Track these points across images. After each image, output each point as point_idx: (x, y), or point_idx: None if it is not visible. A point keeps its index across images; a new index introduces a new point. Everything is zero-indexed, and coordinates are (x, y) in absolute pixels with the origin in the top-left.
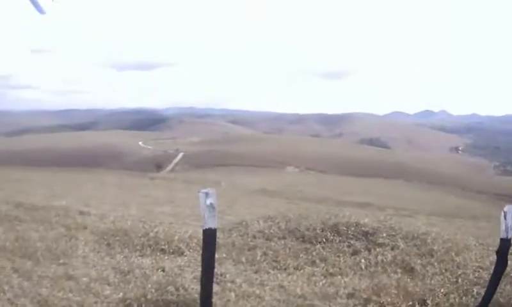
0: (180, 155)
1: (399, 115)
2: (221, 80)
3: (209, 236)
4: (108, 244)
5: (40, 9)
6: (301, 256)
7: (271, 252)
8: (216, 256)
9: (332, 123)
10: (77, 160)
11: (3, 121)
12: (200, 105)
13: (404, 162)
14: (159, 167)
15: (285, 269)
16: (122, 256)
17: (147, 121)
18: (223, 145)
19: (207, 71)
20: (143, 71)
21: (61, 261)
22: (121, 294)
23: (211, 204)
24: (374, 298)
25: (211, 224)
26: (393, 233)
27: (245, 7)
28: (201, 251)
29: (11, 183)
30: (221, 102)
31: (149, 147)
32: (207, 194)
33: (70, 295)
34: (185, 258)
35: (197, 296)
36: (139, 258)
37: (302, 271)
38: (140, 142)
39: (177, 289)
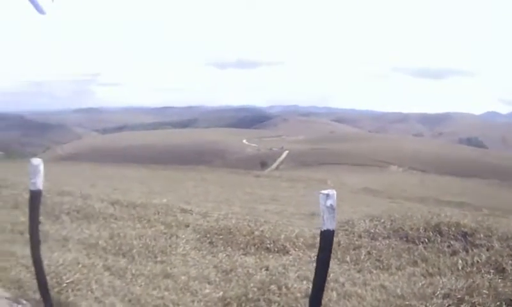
0: (285, 153)
1: (493, 115)
2: (324, 78)
3: (327, 238)
4: (211, 242)
5: (39, 10)
6: (403, 255)
7: (375, 251)
8: None
9: (433, 122)
10: (177, 158)
11: (99, 118)
12: (304, 104)
13: (499, 162)
14: (263, 165)
15: (388, 269)
16: (225, 255)
17: (251, 119)
18: (327, 143)
19: (310, 69)
20: (245, 70)
21: (159, 259)
22: (221, 293)
23: (331, 205)
24: (467, 298)
25: (330, 225)
26: (490, 234)
27: (346, 6)
28: (307, 250)
29: (106, 180)
30: (324, 100)
31: (253, 145)
32: (327, 196)
33: (166, 293)
34: (290, 256)
35: (299, 295)
36: (242, 256)
37: (403, 271)
38: (244, 140)
39: (280, 288)
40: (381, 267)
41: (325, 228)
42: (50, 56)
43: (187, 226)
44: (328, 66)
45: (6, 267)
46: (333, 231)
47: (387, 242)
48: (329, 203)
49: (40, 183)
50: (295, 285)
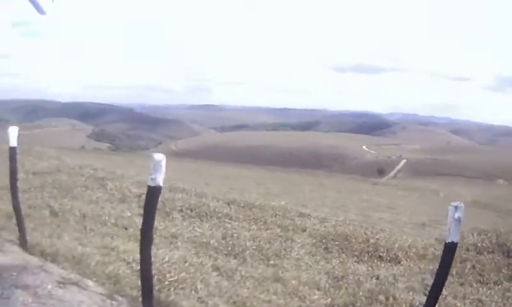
0: (403, 161)
1: None
2: (444, 88)
3: (450, 250)
4: (326, 248)
5: (39, 9)
6: (502, 270)
7: (479, 265)
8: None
9: None
10: (296, 161)
11: (218, 115)
12: (424, 112)
13: None
14: (381, 172)
15: (487, 283)
16: (338, 261)
17: (371, 126)
18: (443, 154)
19: (431, 78)
20: (365, 74)
21: (271, 262)
22: (329, 300)
23: (458, 217)
24: None
25: (454, 238)
26: None
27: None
28: (418, 261)
29: (222, 179)
30: (444, 109)
31: (372, 152)
32: (456, 208)
33: (273, 297)
34: (401, 267)
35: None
36: (355, 263)
37: (500, 286)
38: (364, 146)
39: (387, 298)
40: (482, 281)
41: (450, 240)
42: (170, 53)
43: (304, 230)
44: (449, 75)
45: (104, 261)
46: (457, 243)
47: (491, 256)
48: (457, 215)
49: (160, 179)
50: (402, 296)
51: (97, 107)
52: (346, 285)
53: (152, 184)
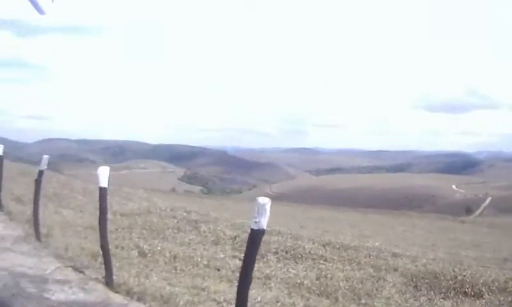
0: (488, 199)
1: None
2: None
3: None
4: (415, 286)
5: (39, 10)
6: None
7: None
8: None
9: None
10: (389, 202)
11: (313, 159)
12: (510, 149)
13: None
14: (468, 211)
15: None
16: (426, 298)
17: (460, 165)
18: None
19: None
20: (454, 114)
21: (363, 301)
22: None
23: None
24: None
25: None
26: None
27: None
28: (498, 294)
29: (317, 222)
30: None
31: (461, 191)
32: None
33: None
34: (483, 300)
35: None
36: (441, 300)
37: None
38: (453, 186)
39: None
40: None
41: None
42: (259, 93)
43: (396, 269)
44: None
45: (194, 301)
46: None
47: None
48: None
49: (264, 223)
50: None
51: (189, 149)
52: None
53: (255, 227)
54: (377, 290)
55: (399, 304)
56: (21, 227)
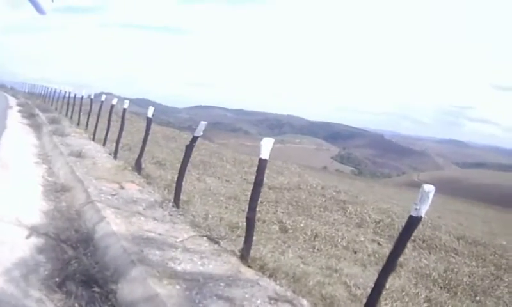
0: None
1: None
2: None
3: None
4: None
5: (40, 10)
6: None
7: None
8: None
9: None
10: None
11: (460, 151)
12: None
13: None
14: None
15: None
16: None
17: None
18: None
19: None
20: None
21: (477, 298)
22: None
23: None
24: None
25: None
26: None
27: None
28: None
29: (453, 213)
30: None
31: None
32: None
33: None
34: None
35: None
36: None
37: None
38: None
39: None
40: None
41: None
42: (420, 79)
43: None
44: None
45: (324, 282)
46: None
47: None
48: None
49: (424, 210)
50: None
51: (347, 129)
52: None
53: (414, 214)
54: (492, 288)
55: (507, 305)
56: (158, 192)
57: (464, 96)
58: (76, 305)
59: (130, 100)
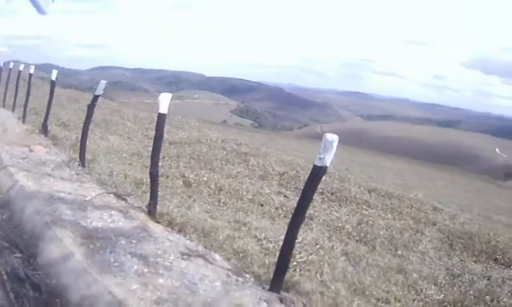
0: None
1: None
2: None
3: None
4: (450, 245)
5: (40, 10)
6: None
7: None
8: None
9: None
10: (433, 155)
11: (365, 103)
12: None
13: None
14: (507, 176)
15: None
16: (459, 259)
17: (508, 129)
18: None
19: None
20: (508, 79)
21: (399, 252)
22: (442, 296)
23: None
24: None
25: None
26: None
27: None
28: None
29: (361, 166)
30: None
31: (504, 155)
32: None
33: (393, 288)
34: (511, 271)
35: None
36: (473, 263)
37: None
38: (497, 149)
39: (492, 300)
40: None
41: None
42: (322, 33)
43: (434, 224)
44: None
45: (234, 236)
46: None
47: None
48: None
49: (328, 160)
50: (505, 300)
51: (244, 83)
52: (460, 283)
53: (318, 164)
54: (414, 242)
55: (433, 261)
56: (64, 152)
57: (368, 50)
58: (3, 272)
59: (36, 66)
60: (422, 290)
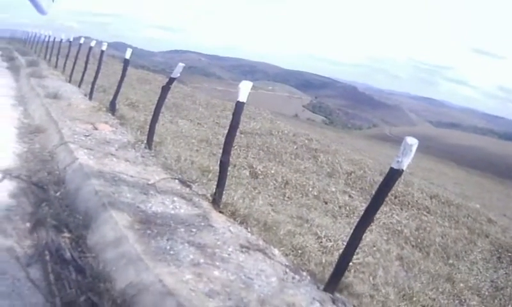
0: None
1: None
2: None
3: None
4: (499, 257)
5: (40, 10)
6: None
7: None
8: None
9: None
10: (492, 166)
11: (435, 110)
12: None
13: None
14: None
15: None
16: (504, 272)
17: None
18: None
19: None
20: None
21: (450, 261)
22: None
23: None
24: None
25: None
26: None
27: None
28: None
29: (424, 171)
30: None
31: None
32: None
33: (440, 296)
34: None
35: None
36: None
37: None
38: None
39: None
40: None
41: None
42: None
43: (487, 236)
44: None
45: (295, 232)
46: None
47: None
48: None
49: (405, 163)
50: None
51: (320, 79)
52: (501, 296)
53: (395, 166)
54: (465, 252)
55: (480, 272)
56: (131, 133)
57: (442, 56)
58: (46, 252)
59: (108, 44)
60: (465, 300)
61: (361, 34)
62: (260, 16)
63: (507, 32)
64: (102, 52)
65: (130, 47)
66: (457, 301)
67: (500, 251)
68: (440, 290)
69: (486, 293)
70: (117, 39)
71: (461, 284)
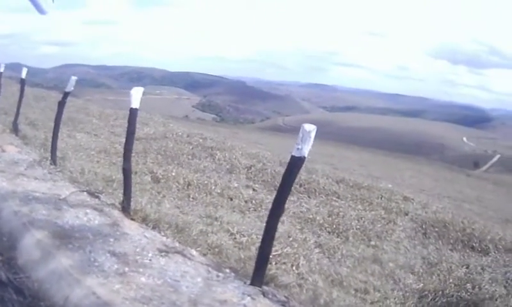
0: (497, 156)
1: None
2: None
3: None
4: (424, 233)
5: (40, 10)
6: None
7: None
8: None
9: None
10: (398, 145)
11: (330, 96)
12: None
13: None
14: (475, 165)
15: None
16: (434, 248)
17: (474, 118)
18: None
19: None
20: (474, 69)
21: (372, 243)
22: (421, 285)
23: None
24: None
25: None
26: None
27: None
28: (504, 254)
29: (326, 157)
30: None
31: (471, 144)
32: None
33: (370, 278)
34: (489, 258)
35: (487, 297)
36: (449, 251)
37: None
38: (464, 138)
39: (473, 287)
40: None
41: None
42: (282, 27)
43: (406, 214)
44: None
45: (207, 231)
46: None
47: None
48: None
49: (306, 150)
50: (486, 287)
51: (207, 78)
52: (438, 272)
53: (296, 154)
54: (387, 232)
55: (408, 250)
56: (35, 151)
57: (332, 43)
58: None
59: (5, 65)
60: (400, 279)
61: (249, 30)
62: (146, 21)
63: (402, 14)
64: (0, 74)
65: (25, 66)
66: (391, 281)
67: (424, 226)
68: (369, 271)
69: (421, 270)
70: (14, 60)
71: (391, 264)
